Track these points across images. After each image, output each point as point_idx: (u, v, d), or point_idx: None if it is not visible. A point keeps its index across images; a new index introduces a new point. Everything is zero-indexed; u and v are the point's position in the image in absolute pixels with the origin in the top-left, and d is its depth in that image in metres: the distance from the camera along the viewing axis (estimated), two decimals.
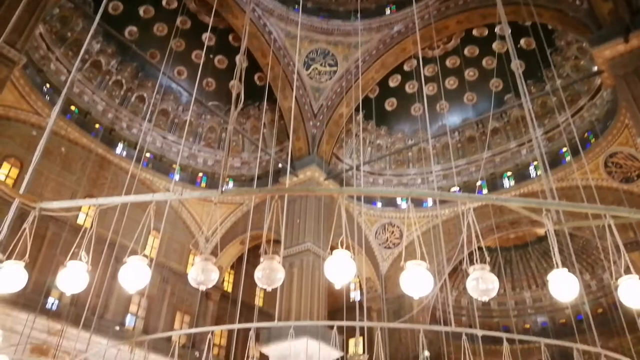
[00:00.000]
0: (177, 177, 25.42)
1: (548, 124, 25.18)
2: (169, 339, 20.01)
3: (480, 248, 4.21)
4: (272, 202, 4.24)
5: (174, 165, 25.58)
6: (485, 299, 3.64)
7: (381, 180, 28.66)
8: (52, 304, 19.01)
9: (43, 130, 20.54)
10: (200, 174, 27.21)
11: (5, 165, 19.76)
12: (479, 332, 7.08)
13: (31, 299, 16.43)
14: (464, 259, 4.70)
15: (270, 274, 4.10)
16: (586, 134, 23.48)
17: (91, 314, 14.23)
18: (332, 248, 5.27)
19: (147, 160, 24.85)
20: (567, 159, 23.29)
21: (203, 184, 27.03)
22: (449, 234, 23.75)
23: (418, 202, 26.69)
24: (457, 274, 28.47)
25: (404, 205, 27.65)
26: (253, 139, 26.86)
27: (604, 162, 21.94)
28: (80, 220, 20.81)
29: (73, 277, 3.99)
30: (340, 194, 4.68)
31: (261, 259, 4.26)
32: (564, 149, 23.73)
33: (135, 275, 3.95)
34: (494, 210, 21.64)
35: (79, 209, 20.60)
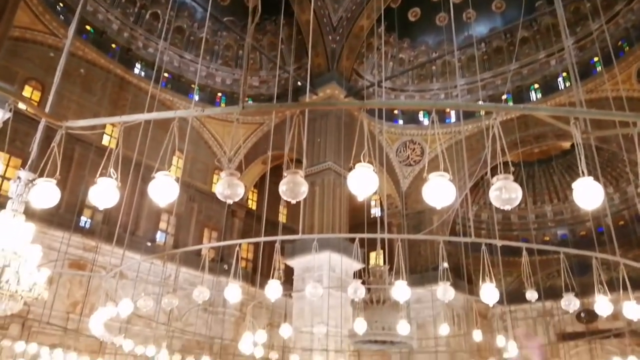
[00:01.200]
0: (196, 97, 25.30)
1: (580, 31, 23.82)
2: (198, 253, 21.04)
3: (505, 163, 4.17)
4: (295, 118, 4.21)
5: (192, 85, 25.36)
6: (508, 207, 3.66)
7: (403, 97, 28.07)
8: (85, 222, 19.93)
9: (60, 52, 20.37)
10: (219, 94, 27.02)
11: (27, 89, 19.88)
12: (498, 243, 7.22)
13: (65, 218, 17.23)
14: (487, 172, 4.67)
15: (294, 187, 4.16)
16: (620, 42, 22.24)
17: (123, 231, 14.90)
18: (352, 167, 5.29)
19: (165, 80, 24.66)
20: (597, 69, 22.29)
21: (222, 104, 26.94)
22: (471, 150, 23.58)
23: (441, 118, 26.29)
24: (478, 190, 28.58)
25: (426, 121, 27.26)
26: (270, 56, 26.23)
27: (636, 72, 20.96)
28: (105, 141, 21.23)
29: (104, 193, 4.13)
30: (361, 107, 4.61)
31: (284, 173, 4.31)
32: (595, 59, 22.65)
33: (164, 189, 4.06)
34: (518, 125, 21.23)
35: (103, 128, 20.94)
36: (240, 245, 7.92)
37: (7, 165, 17.05)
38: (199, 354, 16.43)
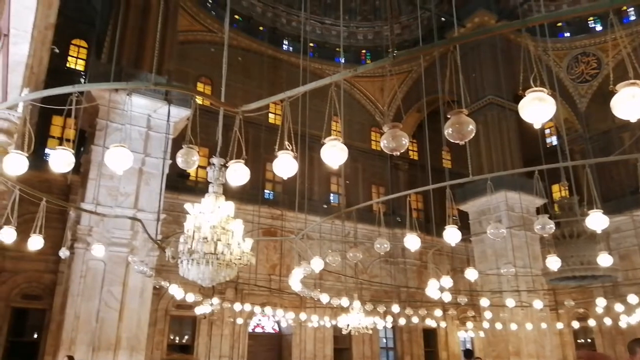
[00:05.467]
0: (342, 59, 25.69)
1: None
2: (370, 209, 21.83)
3: None
4: (449, 55, 4.03)
5: (337, 49, 25.78)
6: None
7: (565, 6, 24.58)
8: (269, 194, 22.09)
9: (219, 45, 22.29)
10: (363, 51, 27.00)
11: (200, 85, 22.41)
12: None
13: (251, 194, 19.33)
14: None
15: (460, 127, 4.01)
16: None
17: (301, 197, 16.15)
18: (517, 97, 4.87)
19: (312, 50, 25.49)
20: None
21: (368, 60, 26.90)
22: None
23: (617, 18, 22.45)
24: None
25: (597, 27, 23.60)
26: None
27: None
28: (271, 119, 22.99)
29: (285, 164, 4.52)
30: (521, 27, 4.19)
31: (448, 115, 4.19)
32: None
33: (335, 153, 4.28)
34: None
35: (268, 108, 22.65)
36: (409, 196, 7.96)
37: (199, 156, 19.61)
38: (389, 302, 17.26)
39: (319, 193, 23.29)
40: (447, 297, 11.74)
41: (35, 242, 6.90)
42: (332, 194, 24.35)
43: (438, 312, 16.47)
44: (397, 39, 26.41)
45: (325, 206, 22.79)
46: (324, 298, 12.37)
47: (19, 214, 6.32)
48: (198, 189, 18.92)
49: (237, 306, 14.97)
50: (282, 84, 23.28)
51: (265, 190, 21.94)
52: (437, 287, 10.84)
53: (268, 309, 15.86)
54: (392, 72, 25.29)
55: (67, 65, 19.72)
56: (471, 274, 10.19)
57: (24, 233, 6.88)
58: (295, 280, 9.55)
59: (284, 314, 16.18)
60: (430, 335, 23.98)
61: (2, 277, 15.95)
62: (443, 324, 19.89)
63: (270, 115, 23.35)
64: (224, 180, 5.48)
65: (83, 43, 20.38)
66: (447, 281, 10.43)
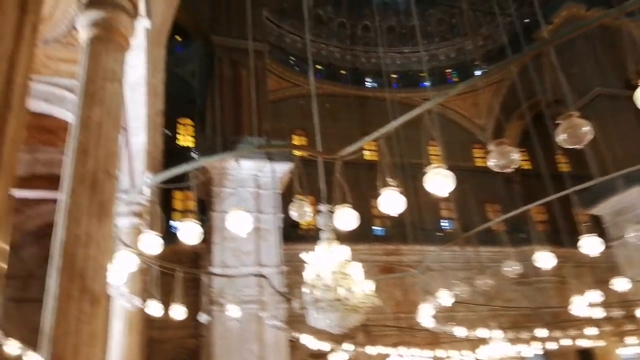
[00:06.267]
0: (427, 83, 25.40)
1: None
2: (488, 230, 20.66)
3: None
4: (544, 57, 3.79)
5: (420, 74, 25.58)
6: None
7: None
8: (379, 231, 21.94)
9: (306, 97, 22.99)
10: (448, 70, 26.49)
11: (295, 138, 23.36)
12: None
13: (361, 233, 19.28)
14: None
15: (574, 131, 3.72)
16: None
17: (412, 229, 15.84)
18: (628, 83, 4.41)
19: (396, 81, 25.56)
20: None
21: (455, 78, 26.28)
22: None
23: None
24: None
25: None
26: (485, 8, 24.41)
27: None
28: (367, 157, 23.13)
29: (392, 201, 4.49)
30: (622, 12, 3.86)
31: (557, 121, 3.91)
32: None
33: (440, 178, 4.17)
34: None
35: (362, 147, 22.90)
36: (529, 209, 7.41)
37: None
38: (531, 326, 15.91)
39: (430, 221, 22.65)
40: (598, 313, 10.55)
41: (178, 312, 7.40)
42: (442, 220, 23.55)
43: (591, 330, 14.81)
44: (481, 51, 25.60)
45: (438, 234, 22.06)
46: (460, 331, 11.75)
47: (157, 286, 6.89)
48: (310, 236, 19.31)
49: (370, 349, 14.71)
50: (372, 120, 23.44)
51: (374, 227, 21.82)
52: (585, 304, 9.81)
53: (402, 349, 15.39)
54: (483, 84, 24.41)
55: (178, 142, 21.72)
56: (621, 284, 9.11)
57: (164, 304, 7.46)
58: (425, 317, 9.23)
59: (420, 352, 15.58)
60: (587, 357, 21.59)
61: (152, 347, 17.35)
62: (600, 343, 17.82)
63: (366, 152, 23.51)
64: (334, 225, 5.56)
65: (188, 121, 22.40)
66: (594, 295, 9.41)
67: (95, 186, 3.67)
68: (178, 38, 21.67)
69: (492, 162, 4.23)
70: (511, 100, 23.72)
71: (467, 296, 11.08)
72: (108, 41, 4.20)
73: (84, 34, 4.31)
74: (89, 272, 3.47)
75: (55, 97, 7.52)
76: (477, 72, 24.92)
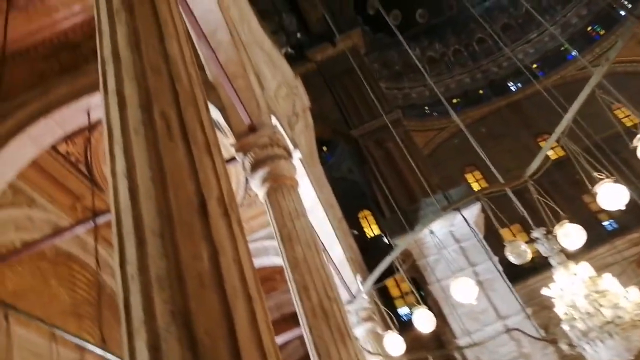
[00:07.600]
0: (574, 52, 23.04)
1: None
2: None
3: None
4: None
5: (562, 49, 23.35)
6: None
7: None
8: (610, 224, 19.06)
9: (457, 134, 22.19)
10: (589, 28, 23.79)
11: (469, 176, 22.56)
12: None
13: (591, 236, 16.89)
14: None
15: None
16: None
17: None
18: None
19: (540, 69, 23.70)
20: None
21: (600, 32, 23.38)
22: None
23: None
24: None
25: None
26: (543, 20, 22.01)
27: None
28: (552, 156, 21.03)
29: (613, 194, 4.01)
30: None
31: None
32: None
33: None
34: None
35: (547, 159, 21.16)
36: None
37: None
38: None
39: None
40: None
41: None
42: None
43: None
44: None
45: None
46: None
47: None
48: (537, 264, 17.61)
49: None
50: (534, 120, 21.69)
51: (603, 223, 19.06)
52: None
53: None
54: None
55: (367, 235, 22.47)
56: None
57: None
58: None
59: None
60: None
61: None
62: None
63: (549, 152, 21.46)
64: (561, 246, 5.10)
65: (366, 212, 23.22)
66: None
67: (327, 314, 3.96)
68: (324, 149, 23.41)
69: None
70: None
71: None
72: (280, 187, 4.74)
73: (260, 191, 4.93)
74: None
75: (259, 250, 8.57)
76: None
